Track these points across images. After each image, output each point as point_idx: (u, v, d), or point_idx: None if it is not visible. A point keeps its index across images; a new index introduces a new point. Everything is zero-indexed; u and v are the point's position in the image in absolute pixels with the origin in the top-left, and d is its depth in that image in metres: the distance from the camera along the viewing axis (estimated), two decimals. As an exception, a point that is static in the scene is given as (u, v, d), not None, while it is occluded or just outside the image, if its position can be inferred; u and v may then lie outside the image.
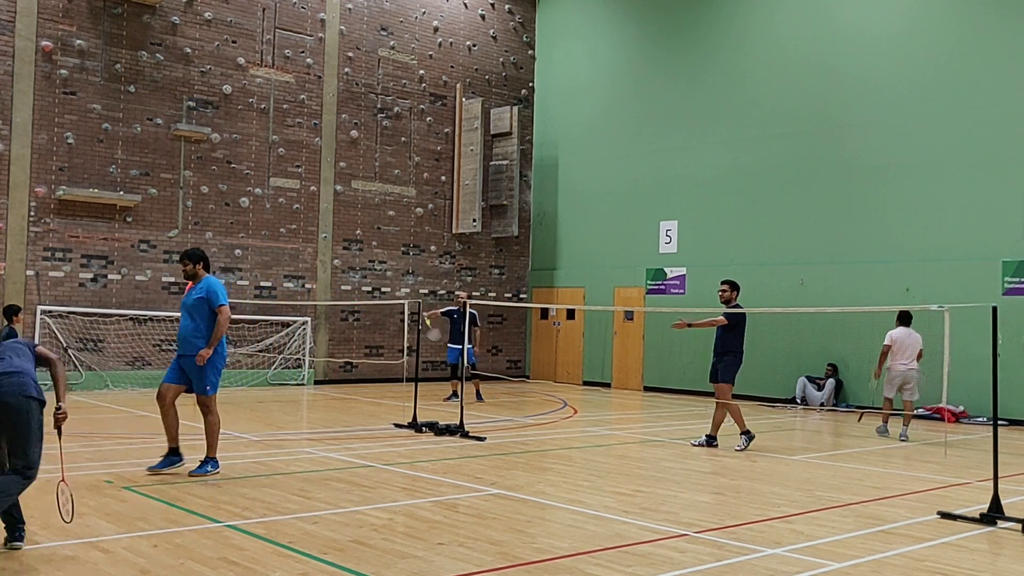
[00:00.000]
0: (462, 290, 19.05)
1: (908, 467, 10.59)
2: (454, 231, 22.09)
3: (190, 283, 8.99)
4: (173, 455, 8.74)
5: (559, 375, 22.81)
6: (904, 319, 13.40)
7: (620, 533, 6.83)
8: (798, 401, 17.60)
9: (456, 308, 16.96)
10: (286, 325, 19.45)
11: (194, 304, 8.79)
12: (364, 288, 20.64)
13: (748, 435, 11.48)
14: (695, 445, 11.62)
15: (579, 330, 22.45)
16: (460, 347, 15.78)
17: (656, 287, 20.78)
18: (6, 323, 14.03)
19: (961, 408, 15.64)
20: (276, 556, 5.94)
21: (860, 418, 15.16)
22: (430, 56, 21.88)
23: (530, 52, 23.83)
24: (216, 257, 18.56)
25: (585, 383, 22.06)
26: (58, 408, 6.22)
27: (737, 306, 11.87)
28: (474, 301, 15.54)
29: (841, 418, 15.97)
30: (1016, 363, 14.97)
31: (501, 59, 23.19)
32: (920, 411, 15.52)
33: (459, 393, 14.30)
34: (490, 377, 20.92)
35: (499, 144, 22.69)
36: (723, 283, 12.03)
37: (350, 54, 20.55)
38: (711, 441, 11.59)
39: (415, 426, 12.52)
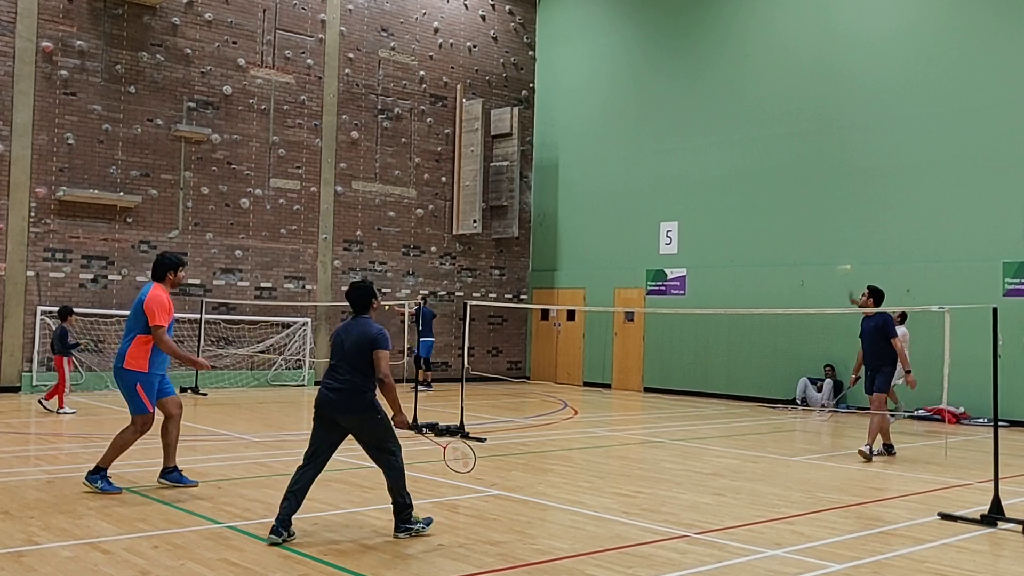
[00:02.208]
0: (420, 292, 19.58)
1: (908, 468, 10.58)
2: (454, 232, 22.08)
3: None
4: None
5: (559, 376, 22.80)
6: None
7: (621, 534, 6.83)
8: (798, 402, 17.59)
9: (418, 306, 19.16)
10: (286, 326, 19.44)
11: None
12: (364, 289, 20.60)
13: (889, 447, 11.23)
14: (873, 453, 10.96)
15: (579, 331, 22.45)
16: (426, 341, 19.17)
17: (656, 288, 20.78)
18: (60, 323, 14.22)
19: (961, 409, 15.63)
20: (276, 557, 5.94)
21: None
22: (430, 57, 21.88)
23: (530, 53, 23.82)
24: (216, 258, 18.57)
25: (585, 384, 22.05)
26: None
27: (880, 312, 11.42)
28: (473, 302, 15.54)
29: (841, 419, 15.96)
30: (1017, 364, 14.97)
31: (501, 60, 23.19)
32: (921, 412, 15.54)
33: (422, 382, 18.42)
34: (489, 378, 20.93)
35: (499, 145, 22.68)
36: (867, 288, 11.52)
37: (350, 55, 20.55)
38: (890, 449, 11.24)
39: (415, 427, 12.50)
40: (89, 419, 13.10)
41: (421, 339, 19.19)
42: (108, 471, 7.90)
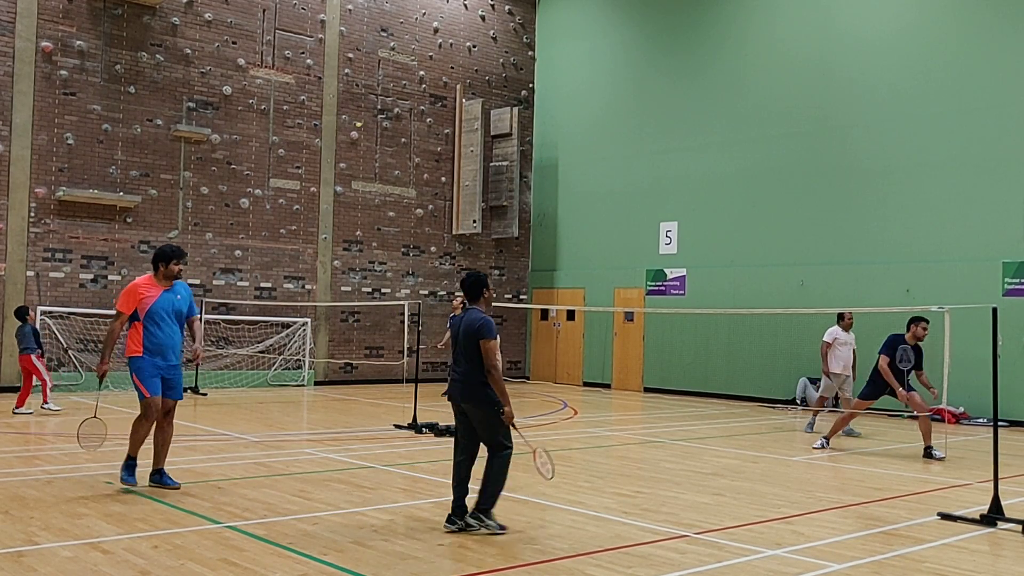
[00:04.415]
0: (458, 296, 19.20)
1: (908, 468, 10.59)
2: (454, 232, 22.09)
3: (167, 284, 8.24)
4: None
5: (559, 376, 22.80)
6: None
7: (620, 534, 6.83)
8: (798, 402, 17.60)
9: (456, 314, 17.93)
10: (286, 326, 19.45)
11: (182, 310, 8.35)
12: (364, 289, 20.64)
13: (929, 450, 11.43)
14: (939, 458, 11.26)
15: (579, 331, 22.45)
16: None
17: (656, 288, 20.78)
18: (20, 323, 14.03)
19: (961, 409, 15.63)
20: (276, 557, 5.94)
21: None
22: (430, 57, 21.89)
23: (530, 53, 23.83)
24: (216, 258, 18.57)
25: (585, 384, 22.06)
26: None
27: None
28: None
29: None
30: (1016, 364, 14.97)
31: (501, 60, 23.19)
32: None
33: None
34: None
35: (499, 145, 22.69)
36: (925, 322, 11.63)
37: (350, 55, 20.56)
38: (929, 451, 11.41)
39: (415, 427, 12.51)
40: (89, 419, 13.09)
41: None
42: (136, 462, 8.09)
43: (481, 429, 6.81)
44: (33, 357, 13.62)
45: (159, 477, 8.12)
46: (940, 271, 16.24)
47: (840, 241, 17.75)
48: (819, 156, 18.24)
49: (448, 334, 18.20)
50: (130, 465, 8.06)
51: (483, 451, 6.93)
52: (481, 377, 6.74)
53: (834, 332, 13.53)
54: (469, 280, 7.09)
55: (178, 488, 8.00)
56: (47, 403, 13.71)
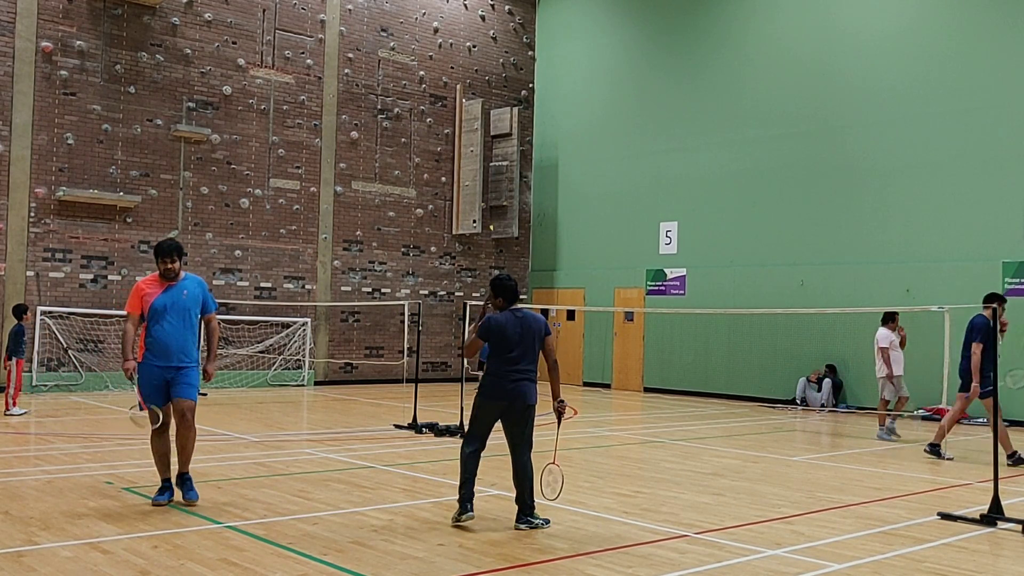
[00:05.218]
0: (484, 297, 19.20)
1: (908, 468, 10.59)
2: (454, 232, 22.09)
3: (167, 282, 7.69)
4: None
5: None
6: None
7: (620, 534, 6.83)
8: (798, 402, 17.60)
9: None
10: (286, 326, 19.44)
11: (190, 307, 7.74)
12: (364, 289, 20.64)
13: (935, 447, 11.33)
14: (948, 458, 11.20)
15: (579, 331, 22.45)
16: None
17: (656, 288, 20.78)
18: (17, 322, 13.87)
19: (961, 409, 15.61)
20: (276, 557, 5.93)
21: None
22: (430, 57, 21.89)
23: (530, 53, 23.83)
24: (216, 258, 18.56)
25: (585, 384, 22.05)
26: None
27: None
28: (473, 302, 15.55)
29: (841, 419, 15.97)
30: (1016, 364, 14.95)
31: (501, 60, 23.19)
32: (921, 412, 15.55)
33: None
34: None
35: (499, 145, 22.68)
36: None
37: (350, 55, 20.56)
38: (936, 450, 11.38)
39: (415, 427, 12.52)
40: (87, 419, 13.10)
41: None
42: (171, 480, 7.60)
43: (524, 427, 7.07)
44: (13, 361, 13.41)
45: (180, 483, 7.57)
46: (940, 271, 16.24)
47: (840, 241, 17.75)
48: (819, 156, 18.23)
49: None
50: (163, 489, 7.51)
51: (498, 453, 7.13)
52: (536, 377, 7.06)
53: (888, 336, 13.35)
54: (511, 284, 7.25)
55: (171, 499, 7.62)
56: (10, 409, 13.20)
